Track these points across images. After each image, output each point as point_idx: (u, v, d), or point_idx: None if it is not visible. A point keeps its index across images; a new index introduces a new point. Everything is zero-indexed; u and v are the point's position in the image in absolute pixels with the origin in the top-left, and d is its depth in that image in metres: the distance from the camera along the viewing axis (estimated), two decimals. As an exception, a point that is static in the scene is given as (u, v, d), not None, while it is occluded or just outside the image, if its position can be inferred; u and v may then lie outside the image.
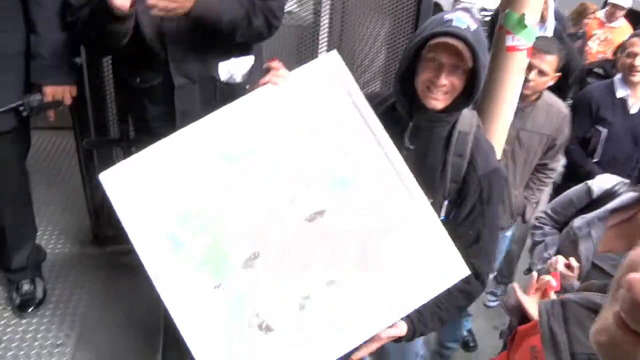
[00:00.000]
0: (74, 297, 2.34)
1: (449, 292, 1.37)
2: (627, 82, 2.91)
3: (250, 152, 1.32)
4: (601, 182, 1.89)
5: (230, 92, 1.81)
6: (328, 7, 2.68)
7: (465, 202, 1.41)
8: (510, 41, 1.80)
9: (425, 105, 1.34)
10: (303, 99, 1.35)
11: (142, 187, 1.29)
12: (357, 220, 1.33)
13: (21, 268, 2.23)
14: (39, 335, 2.12)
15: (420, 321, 1.39)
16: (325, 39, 2.69)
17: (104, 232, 2.66)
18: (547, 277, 1.52)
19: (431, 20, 1.34)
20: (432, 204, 1.38)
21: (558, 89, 2.64)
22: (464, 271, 1.35)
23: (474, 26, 1.26)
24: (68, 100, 1.96)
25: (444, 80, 1.28)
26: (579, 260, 1.77)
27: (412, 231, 1.34)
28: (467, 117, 1.43)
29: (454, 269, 1.35)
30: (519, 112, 2.20)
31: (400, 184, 1.35)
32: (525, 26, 1.75)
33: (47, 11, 1.83)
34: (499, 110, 1.92)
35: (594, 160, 3.05)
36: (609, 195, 1.84)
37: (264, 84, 1.34)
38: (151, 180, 1.29)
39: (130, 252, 1.28)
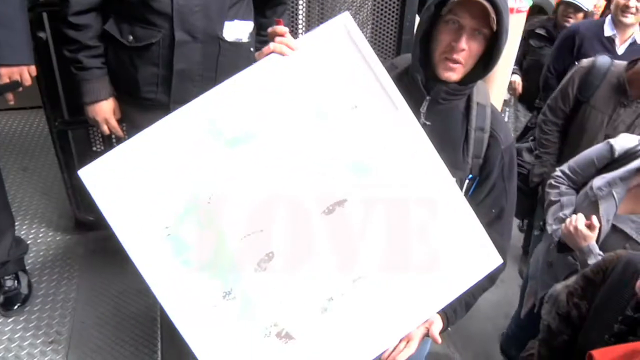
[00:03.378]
0: (61, 289, 2.20)
1: None
2: (617, 23, 2.90)
3: (256, 136, 1.15)
4: (623, 141, 1.82)
5: (235, 53, 1.71)
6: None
7: (489, 178, 1.32)
8: (512, 2, 1.69)
9: (440, 76, 1.21)
10: (314, 71, 1.17)
11: (131, 183, 1.10)
12: (383, 208, 1.19)
13: (2, 263, 2.08)
14: (28, 334, 1.99)
15: (452, 310, 1.30)
16: (305, 7, 2.49)
17: (85, 216, 2.51)
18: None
19: None
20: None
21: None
22: (497, 259, 1.25)
23: None
24: (27, 82, 1.76)
25: (463, 44, 1.15)
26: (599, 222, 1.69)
27: (443, 219, 1.22)
28: (482, 87, 1.32)
29: (488, 257, 1.24)
30: None
31: (426, 165, 1.21)
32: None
33: None
34: (493, 75, 1.82)
35: None
36: (631, 155, 1.77)
37: (269, 53, 1.16)
38: (141, 174, 1.11)
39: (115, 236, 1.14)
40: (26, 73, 1.74)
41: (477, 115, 1.29)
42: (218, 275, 1.13)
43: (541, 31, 3.55)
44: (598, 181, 1.77)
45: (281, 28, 1.17)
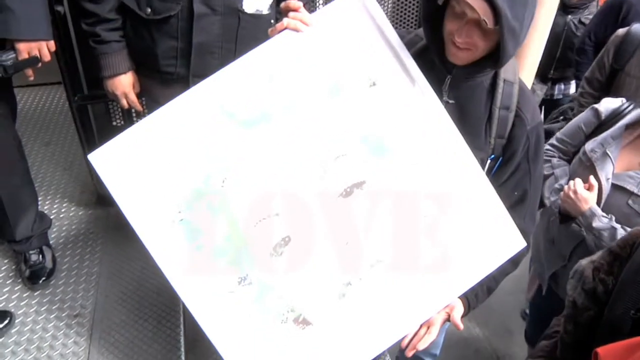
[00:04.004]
0: (84, 264, 2.23)
1: None
2: None
3: (271, 116, 1.10)
4: (607, 104, 1.82)
5: (255, 25, 1.66)
6: None
7: (512, 159, 1.25)
8: None
9: (447, 57, 1.15)
10: (329, 48, 1.12)
11: (142, 167, 1.07)
12: (402, 190, 1.15)
13: (26, 238, 2.11)
14: (54, 307, 2.03)
15: (473, 295, 1.27)
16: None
17: (107, 191, 2.52)
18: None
19: None
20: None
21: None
22: (521, 243, 1.21)
23: None
24: (46, 57, 1.74)
25: (464, 36, 1.07)
26: (600, 185, 1.66)
27: (465, 200, 1.18)
28: (511, 63, 1.23)
29: (511, 240, 1.21)
30: None
31: (447, 144, 1.16)
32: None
33: None
34: (525, 54, 1.75)
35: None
36: (618, 114, 1.76)
37: (282, 29, 1.11)
38: (152, 158, 1.08)
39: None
40: (45, 48, 1.72)
41: (503, 93, 1.22)
42: (233, 260, 1.11)
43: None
44: (590, 145, 1.75)
45: (295, 2, 1.11)
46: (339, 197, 1.14)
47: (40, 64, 1.73)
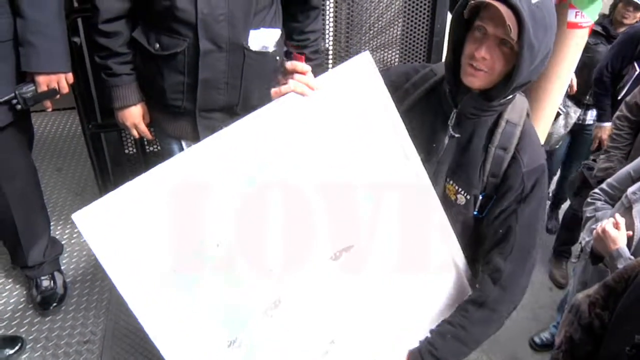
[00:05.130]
0: (95, 289, 2.26)
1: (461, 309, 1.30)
2: None
3: (266, 176, 1.06)
4: None
5: (260, 62, 1.71)
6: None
7: (503, 199, 1.24)
8: (572, 17, 1.60)
9: (463, 81, 1.16)
10: (331, 114, 1.10)
11: (131, 231, 0.95)
12: (387, 256, 1.21)
13: (39, 264, 2.14)
14: (64, 333, 2.05)
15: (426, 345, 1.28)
16: (332, 8, 2.47)
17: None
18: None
19: None
20: (467, 200, 1.26)
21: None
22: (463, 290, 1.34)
23: None
24: (65, 89, 1.80)
25: (483, 51, 1.09)
26: (632, 227, 1.65)
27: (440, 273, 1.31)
28: (518, 104, 1.25)
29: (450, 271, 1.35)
30: None
31: (429, 215, 1.25)
32: (594, 1, 1.55)
33: None
34: (549, 91, 1.75)
35: (619, 98, 2.93)
36: None
37: (287, 92, 1.08)
38: (142, 221, 0.96)
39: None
40: (63, 81, 1.77)
41: (502, 133, 1.22)
42: (224, 323, 1.07)
43: (597, 28, 3.43)
44: (633, 187, 1.74)
45: (303, 66, 1.10)
46: (329, 260, 1.16)
47: (58, 96, 1.78)
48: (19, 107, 1.72)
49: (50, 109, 1.83)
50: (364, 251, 1.18)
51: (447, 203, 1.28)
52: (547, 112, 1.78)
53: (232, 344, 1.07)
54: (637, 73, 2.90)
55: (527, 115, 1.27)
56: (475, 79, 1.14)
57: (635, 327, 1.27)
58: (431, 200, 1.24)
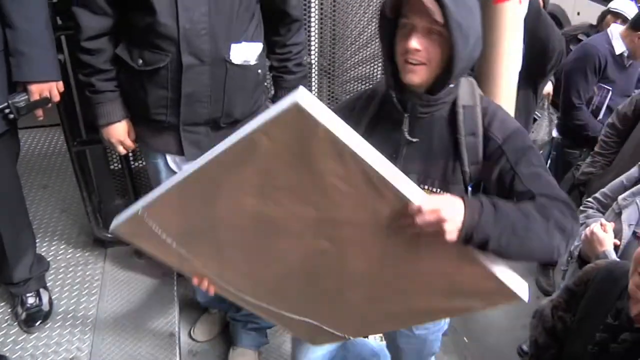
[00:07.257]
0: (81, 306, 2.24)
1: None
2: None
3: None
4: None
5: (242, 75, 1.72)
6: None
7: (497, 178, 1.18)
8: None
9: (403, 80, 1.16)
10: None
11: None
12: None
13: (24, 281, 2.12)
14: (49, 351, 2.03)
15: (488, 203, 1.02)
16: (317, 22, 2.50)
17: (104, 233, 2.54)
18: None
19: None
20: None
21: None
22: None
23: None
24: (56, 97, 1.83)
25: (413, 43, 1.09)
26: (620, 233, 1.69)
27: None
28: (466, 87, 1.24)
29: None
30: None
31: None
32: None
33: (22, 1, 1.68)
34: (498, 72, 1.72)
35: (599, 119, 2.99)
36: None
37: None
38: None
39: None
40: (55, 89, 1.81)
41: (464, 120, 1.20)
42: None
43: (583, 37, 3.48)
44: (623, 194, 1.80)
45: None
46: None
47: (50, 105, 1.81)
48: (11, 116, 1.74)
49: (41, 117, 1.85)
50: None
51: None
52: (505, 92, 1.73)
53: None
54: (609, 93, 2.98)
55: (481, 96, 1.26)
56: (415, 75, 1.14)
57: (596, 326, 1.32)
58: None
